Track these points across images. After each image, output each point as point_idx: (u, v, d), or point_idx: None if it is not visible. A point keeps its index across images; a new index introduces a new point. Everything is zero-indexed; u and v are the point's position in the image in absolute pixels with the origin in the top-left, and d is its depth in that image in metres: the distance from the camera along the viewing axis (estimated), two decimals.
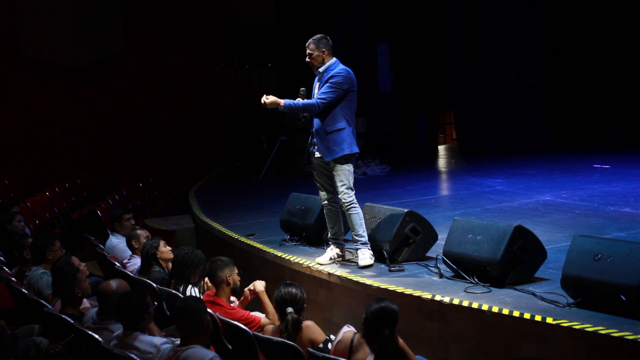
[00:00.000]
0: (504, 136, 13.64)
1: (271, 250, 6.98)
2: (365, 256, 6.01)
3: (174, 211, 11.79)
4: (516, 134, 13.61)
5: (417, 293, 5.26)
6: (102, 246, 7.55)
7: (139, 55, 15.26)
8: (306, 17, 13.67)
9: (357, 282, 5.73)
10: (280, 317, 4.93)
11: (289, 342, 4.34)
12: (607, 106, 15.00)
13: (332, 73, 5.94)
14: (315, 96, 6.01)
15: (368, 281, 5.67)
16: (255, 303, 5.66)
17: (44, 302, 5.27)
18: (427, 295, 5.19)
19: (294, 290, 4.91)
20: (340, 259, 6.29)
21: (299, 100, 5.97)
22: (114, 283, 4.88)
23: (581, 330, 4.26)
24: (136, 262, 6.76)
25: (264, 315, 5.42)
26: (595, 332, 4.20)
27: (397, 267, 5.96)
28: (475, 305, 4.88)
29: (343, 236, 6.36)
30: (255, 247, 7.26)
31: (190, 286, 5.66)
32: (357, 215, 6.01)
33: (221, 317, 4.88)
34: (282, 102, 5.90)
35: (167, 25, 15.41)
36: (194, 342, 4.17)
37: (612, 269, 4.46)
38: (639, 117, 14.49)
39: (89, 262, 7.56)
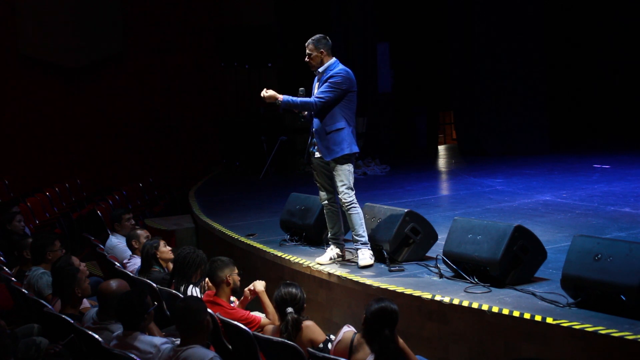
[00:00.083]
0: (504, 136, 13.64)
1: (271, 250, 6.98)
2: (365, 256, 6.01)
3: (174, 211, 11.79)
4: (516, 134, 13.60)
5: (417, 293, 5.26)
6: (102, 246, 7.55)
7: (139, 55, 15.26)
8: (306, 17, 13.68)
9: (357, 282, 5.73)
10: (280, 317, 4.93)
11: (289, 342, 4.34)
12: (607, 106, 15.00)
13: (331, 73, 5.94)
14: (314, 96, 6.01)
15: (368, 281, 5.67)
16: (255, 303, 5.66)
17: (44, 302, 5.27)
18: (427, 295, 5.18)
19: (294, 290, 4.91)
20: (340, 259, 6.29)
21: (297, 97, 5.98)
22: (114, 283, 4.88)
23: (581, 330, 4.26)
24: (136, 262, 6.76)
25: (264, 315, 5.42)
26: (595, 332, 4.20)
27: (397, 267, 5.96)
28: (475, 305, 4.88)
29: (343, 236, 6.35)
30: (255, 247, 7.26)
31: (191, 286, 5.67)
32: (357, 215, 6.01)
33: (221, 317, 4.88)
34: (280, 97, 5.90)
35: (167, 25, 15.42)
36: (194, 342, 4.17)
37: (612, 269, 4.46)
38: (639, 117, 14.49)
39: (89, 262, 7.56)
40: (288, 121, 12.32)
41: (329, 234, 6.34)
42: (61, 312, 5.09)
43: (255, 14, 14.86)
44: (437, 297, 5.12)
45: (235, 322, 4.67)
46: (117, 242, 7.63)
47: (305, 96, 6.04)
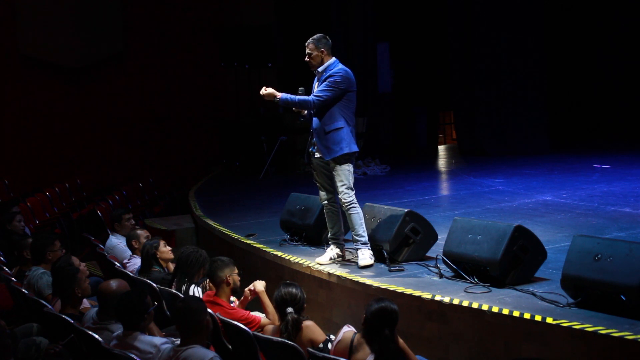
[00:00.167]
0: (504, 136, 13.64)
1: (271, 250, 6.98)
2: (365, 256, 6.01)
3: (174, 211, 11.79)
4: (516, 134, 13.60)
5: (417, 293, 5.26)
6: (102, 246, 7.55)
7: (139, 55, 15.26)
8: (306, 17, 13.67)
9: (357, 282, 5.73)
10: (280, 317, 4.93)
11: (289, 342, 4.34)
12: (607, 106, 15.00)
13: (330, 72, 5.94)
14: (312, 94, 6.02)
15: (368, 281, 5.67)
16: (255, 303, 5.66)
17: (44, 302, 5.27)
18: (427, 295, 5.19)
19: (294, 290, 4.91)
20: (340, 259, 6.29)
21: (296, 96, 5.98)
22: (114, 283, 4.88)
23: (581, 330, 4.26)
24: (136, 262, 6.76)
25: (264, 315, 5.42)
26: (595, 332, 4.20)
27: (397, 267, 5.96)
28: (475, 305, 4.88)
29: (343, 236, 6.36)
30: (255, 247, 7.26)
31: (193, 285, 5.67)
32: (357, 215, 6.01)
33: (221, 317, 4.88)
34: (278, 95, 5.91)
35: (167, 25, 15.42)
36: (194, 342, 4.17)
37: (612, 269, 4.46)
38: (639, 117, 14.49)
39: (89, 262, 7.55)
40: (288, 121, 12.31)
41: (329, 234, 6.34)
42: (61, 312, 5.09)
43: (255, 14, 14.86)
44: (437, 297, 5.12)
45: (235, 322, 4.67)
46: (117, 242, 7.63)
47: (305, 95, 6.04)
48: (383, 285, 5.51)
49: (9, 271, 6.56)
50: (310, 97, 5.95)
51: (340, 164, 5.95)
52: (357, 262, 6.06)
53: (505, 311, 4.68)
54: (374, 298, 4.60)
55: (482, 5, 13.52)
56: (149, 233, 7.21)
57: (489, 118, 13.69)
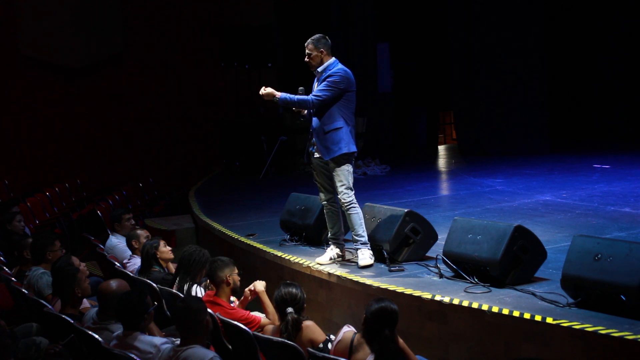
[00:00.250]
0: (504, 136, 13.64)
1: (271, 250, 6.98)
2: (365, 256, 6.01)
3: (174, 211, 11.79)
4: (516, 134, 13.60)
5: (417, 293, 5.26)
6: (102, 246, 7.55)
7: (139, 55, 15.26)
8: (306, 17, 13.67)
9: (357, 282, 5.73)
10: (280, 317, 4.93)
11: (289, 342, 4.35)
12: (607, 106, 15.00)
13: (329, 72, 5.94)
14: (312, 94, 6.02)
15: (368, 281, 5.67)
16: (255, 303, 5.66)
17: (44, 302, 5.27)
18: (427, 295, 5.19)
19: (294, 290, 4.91)
20: (340, 259, 6.29)
21: (295, 95, 5.98)
22: (114, 283, 4.88)
23: (581, 330, 4.26)
24: (136, 262, 6.76)
25: (264, 315, 5.42)
26: (595, 332, 4.20)
27: (397, 267, 5.96)
28: (475, 305, 4.88)
29: (343, 236, 6.36)
30: (255, 247, 7.26)
31: (195, 285, 5.68)
32: (357, 215, 6.01)
33: (221, 317, 4.88)
34: (278, 94, 5.91)
35: (167, 25, 15.41)
36: (194, 342, 4.18)
37: (612, 269, 4.47)
38: (639, 117, 14.49)
39: (89, 262, 7.56)
40: (288, 121, 12.31)
41: (329, 234, 6.34)
42: (61, 312, 5.09)
43: (255, 14, 14.85)
44: (437, 297, 5.12)
45: (235, 322, 4.67)
46: (117, 242, 7.63)
47: (305, 95, 6.04)
48: (383, 285, 5.51)
49: (9, 271, 6.56)
50: (309, 97, 5.95)
51: (340, 164, 5.95)
52: (357, 262, 6.06)
53: (505, 311, 4.69)
54: (374, 298, 4.60)
55: (482, 5, 13.52)
56: (149, 233, 7.21)
57: (489, 118, 13.69)
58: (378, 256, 6.13)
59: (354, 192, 6.01)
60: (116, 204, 11.17)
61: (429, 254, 6.25)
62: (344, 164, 5.96)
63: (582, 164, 11.69)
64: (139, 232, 7.10)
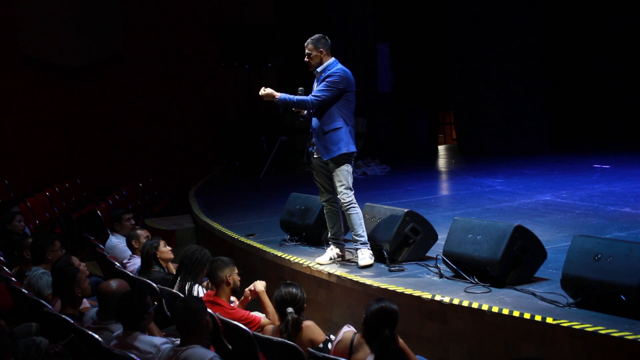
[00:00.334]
0: (504, 136, 13.65)
1: (271, 250, 6.98)
2: (365, 256, 6.01)
3: (174, 211, 11.79)
4: (516, 134, 13.61)
5: (417, 293, 5.26)
6: (102, 246, 7.55)
7: (139, 55, 15.26)
8: (306, 17, 13.68)
9: (357, 282, 5.73)
10: (280, 317, 4.93)
11: (289, 342, 4.34)
12: (607, 106, 15.00)
13: (329, 72, 5.94)
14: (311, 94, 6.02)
15: (368, 281, 5.67)
16: (255, 303, 5.66)
17: (44, 302, 5.27)
18: (427, 295, 5.19)
19: (294, 290, 4.91)
20: (340, 259, 6.29)
21: (295, 96, 5.98)
22: (114, 283, 4.88)
23: (581, 330, 4.26)
24: (136, 262, 6.76)
25: (264, 315, 5.42)
26: (595, 332, 4.20)
27: (397, 267, 5.96)
28: (475, 305, 4.88)
29: (343, 236, 6.36)
30: (255, 247, 7.26)
31: (197, 285, 5.68)
32: (357, 215, 6.01)
33: (221, 317, 4.88)
34: (277, 95, 5.91)
35: (167, 25, 15.42)
36: (194, 342, 4.17)
37: (612, 269, 4.46)
38: (639, 117, 14.49)
39: (89, 262, 7.56)
40: (288, 121, 12.32)
41: (329, 234, 6.34)
42: (61, 312, 5.09)
43: (255, 14, 14.86)
44: (437, 297, 5.12)
45: (235, 322, 4.67)
46: (117, 242, 7.63)
47: (305, 95, 6.04)
48: (383, 285, 5.50)
49: (9, 271, 6.56)
50: (309, 97, 5.95)
51: (339, 164, 5.95)
52: (357, 262, 6.06)
53: (505, 311, 4.68)
54: (374, 298, 4.60)
55: (482, 5, 13.53)
56: (149, 233, 7.21)
57: (489, 118, 13.70)
58: (378, 256, 6.13)
59: (353, 192, 6.01)
60: (116, 204, 11.17)
61: (429, 254, 6.25)
62: (343, 164, 5.96)
63: (582, 164, 11.70)
64: (139, 232, 7.10)
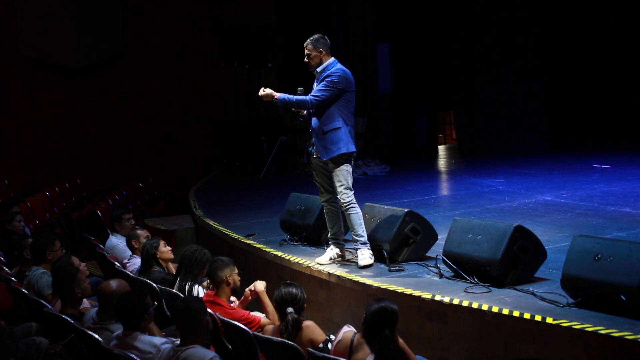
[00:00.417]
0: (504, 136, 13.65)
1: (271, 250, 6.98)
2: (365, 256, 6.01)
3: (174, 211, 11.79)
4: (516, 134, 13.61)
5: (417, 293, 5.26)
6: (102, 246, 7.55)
7: (139, 55, 15.26)
8: (306, 17, 13.67)
9: (357, 282, 5.73)
10: (281, 317, 4.93)
11: (289, 342, 4.34)
12: (607, 106, 15.00)
13: (328, 72, 5.94)
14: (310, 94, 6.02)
15: (368, 281, 5.67)
16: (255, 303, 5.66)
17: (44, 302, 5.27)
18: (427, 295, 5.19)
19: (294, 290, 4.91)
20: (340, 259, 6.29)
21: (294, 96, 5.99)
22: (114, 283, 4.88)
23: (581, 330, 4.26)
24: (136, 262, 6.76)
25: (264, 315, 5.42)
26: (595, 332, 4.20)
27: (397, 267, 5.96)
28: (475, 305, 4.88)
29: (343, 236, 6.36)
30: (255, 247, 7.26)
31: (196, 285, 5.68)
32: (357, 215, 6.01)
33: (221, 317, 4.88)
34: (277, 95, 5.91)
35: (167, 25, 15.41)
36: (194, 342, 4.17)
37: (612, 269, 4.46)
38: (639, 117, 14.49)
39: (89, 262, 7.56)
40: (288, 121, 12.32)
41: (329, 234, 6.34)
42: (61, 312, 5.09)
43: (255, 14, 14.85)
44: (437, 297, 5.12)
45: (235, 322, 4.67)
46: (117, 242, 7.63)
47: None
48: (383, 285, 5.51)
49: (9, 271, 6.56)
50: (308, 97, 5.96)
51: (338, 164, 5.95)
52: (356, 262, 6.06)
53: (505, 311, 4.68)
54: (374, 298, 4.60)
55: (482, 5, 13.52)
56: (149, 233, 7.21)
57: (489, 118, 13.70)
58: (378, 256, 6.13)
59: (353, 192, 6.01)
60: (116, 204, 11.17)
61: (429, 254, 6.25)
62: (343, 164, 5.96)
63: (582, 164, 11.70)
64: (139, 232, 7.10)
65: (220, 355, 4.25)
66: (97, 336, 4.31)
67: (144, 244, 6.47)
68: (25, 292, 5.64)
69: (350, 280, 5.80)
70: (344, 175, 5.95)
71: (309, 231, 7.06)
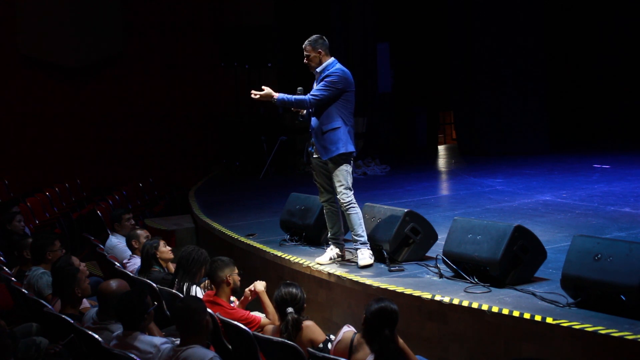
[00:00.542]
0: (504, 136, 13.64)
1: (271, 250, 6.98)
2: (364, 256, 6.01)
3: (174, 211, 11.78)
4: (516, 134, 13.61)
5: (417, 293, 5.26)
6: (102, 246, 7.55)
7: (139, 55, 15.26)
8: (306, 18, 13.67)
9: (357, 282, 5.73)
10: (280, 317, 4.93)
11: (289, 342, 4.35)
12: (607, 106, 15.00)
13: (327, 72, 5.94)
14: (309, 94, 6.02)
15: (368, 281, 5.67)
16: (255, 303, 5.66)
17: (44, 302, 5.27)
18: (427, 295, 5.19)
19: (294, 290, 4.91)
20: (340, 259, 6.29)
21: (292, 95, 5.99)
22: (114, 283, 4.88)
23: (581, 330, 4.26)
24: (136, 262, 6.76)
25: (264, 315, 5.42)
26: (595, 332, 4.20)
27: (397, 267, 5.96)
28: (475, 305, 4.88)
29: (343, 236, 6.36)
30: (255, 247, 7.26)
31: (194, 285, 5.68)
32: (356, 215, 6.01)
33: (221, 317, 4.88)
34: (275, 95, 5.91)
35: (167, 25, 15.41)
36: (194, 342, 4.17)
37: (612, 269, 4.47)
38: (639, 117, 14.49)
39: (89, 262, 7.56)
40: (288, 121, 12.32)
41: (329, 234, 6.34)
42: (61, 312, 5.09)
43: (255, 14, 14.85)
44: (437, 297, 5.12)
45: (235, 322, 4.67)
46: (117, 242, 7.63)
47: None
48: (383, 285, 5.51)
49: (9, 271, 6.56)
50: (307, 97, 5.95)
51: (338, 164, 5.95)
52: (356, 262, 6.06)
53: (505, 311, 4.69)
54: (374, 298, 4.60)
55: (482, 5, 13.52)
56: (149, 233, 7.21)
57: (489, 118, 13.70)
58: (378, 256, 6.13)
59: (352, 192, 6.01)
60: (116, 204, 11.16)
61: (429, 254, 6.25)
62: (342, 164, 5.96)
63: (582, 164, 11.70)
64: (139, 232, 7.10)
65: (220, 355, 4.25)
66: (97, 336, 4.31)
67: (144, 244, 6.47)
68: (25, 292, 5.64)
69: (350, 280, 5.80)
70: (343, 175, 5.95)
71: (309, 231, 7.06)
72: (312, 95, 5.93)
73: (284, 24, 13.96)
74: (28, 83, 14.44)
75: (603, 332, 4.18)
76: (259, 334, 4.62)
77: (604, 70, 15.06)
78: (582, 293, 4.64)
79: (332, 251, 6.28)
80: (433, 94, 15.95)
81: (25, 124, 14.44)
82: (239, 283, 5.47)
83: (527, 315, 4.57)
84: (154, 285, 5.65)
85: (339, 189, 5.96)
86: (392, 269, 5.93)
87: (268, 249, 7.04)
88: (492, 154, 13.35)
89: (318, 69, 6.01)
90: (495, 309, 4.74)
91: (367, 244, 6.07)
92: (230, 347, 4.77)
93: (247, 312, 5.42)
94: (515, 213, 8.11)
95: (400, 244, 6.15)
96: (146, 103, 15.31)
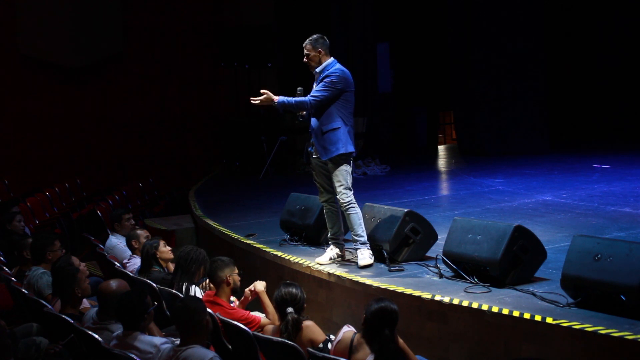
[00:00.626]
0: (504, 136, 13.65)
1: (271, 250, 6.98)
2: (364, 256, 6.01)
3: (174, 211, 11.78)
4: (516, 134, 13.61)
5: (417, 293, 5.26)
6: (102, 246, 7.55)
7: (139, 55, 15.26)
8: (306, 17, 13.67)
9: (357, 282, 5.73)
10: (280, 317, 4.93)
11: (289, 342, 4.35)
12: (607, 106, 15.01)
13: (327, 72, 5.95)
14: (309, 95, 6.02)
15: (368, 281, 5.67)
16: (255, 303, 5.66)
17: (44, 302, 5.27)
18: (427, 295, 5.19)
19: (294, 290, 4.91)
20: (340, 259, 6.29)
21: (293, 98, 5.99)
22: (114, 283, 4.88)
23: (581, 330, 4.26)
24: (136, 262, 6.76)
25: (264, 315, 5.42)
26: (595, 332, 4.20)
27: (397, 267, 5.96)
28: (475, 305, 4.88)
29: (343, 236, 6.36)
30: (255, 247, 7.26)
31: (193, 285, 5.68)
32: (356, 215, 6.02)
33: (221, 317, 4.88)
34: (275, 98, 5.92)
35: (167, 25, 15.41)
36: (194, 342, 4.17)
37: (612, 269, 4.47)
38: (639, 117, 14.49)
39: (89, 262, 7.56)
40: (288, 121, 12.32)
41: (329, 234, 6.34)
42: (61, 312, 5.09)
43: (255, 14, 14.86)
44: (437, 297, 5.12)
45: (235, 322, 4.67)
46: (117, 242, 7.63)
47: (303, 96, 6.04)
48: (383, 285, 5.51)
49: (9, 271, 6.56)
50: (307, 98, 5.96)
51: (338, 164, 5.95)
52: (356, 262, 6.06)
53: (505, 311, 4.69)
54: (374, 298, 4.60)
55: (482, 5, 13.52)
56: (149, 233, 7.21)
57: (489, 118, 13.70)
58: (378, 256, 6.13)
59: (352, 192, 6.01)
60: (116, 204, 11.16)
61: (429, 254, 6.25)
62: (342, 164, 5.96)
63: (582, 164, 11.70)
64: (139, 232, 7.10)
65: (220, 355, 4.25)
66: (97, 336, 4.30)
67: (144, 244, 6.47)
68: (25, 292, 5.64)
69: (350, 280, 5.80)
70: (343, 176, 5.95)
71: (309, 231, 7.06)
72: (312, 96, 5.93)
73: (284, 24, 13.97)
74: (28, 83, 14.44)
75: (603, 332, 4.18)
76: (259, 334, 4.62)
77: (603, 70, 15.07)
78: (582, 293, 4.64)
79: (332, 251, 6.28)
80: (433, 94, 15.95)
81: (25, 124, 14.44)
82: (239, 283, 5.47)
83: (527, 315, 4.57)
84: (154, 285, 5.65)
85: (338, 189, 5.96)
86: (392, 269, 5.93)
87: (268, 249, 7.04)
88: (492, 154, 13.35)
89: (318, 69, 6.01)
90: (495, 309, 4.74)
91: (367, 244, 6.07)
92: (230, 347, 4.77)
93: (247, 312, 5.42)
94: (515, 213, 8.11)
95: (400, 244, 6.15)
96: (146, 103, 15.31)
